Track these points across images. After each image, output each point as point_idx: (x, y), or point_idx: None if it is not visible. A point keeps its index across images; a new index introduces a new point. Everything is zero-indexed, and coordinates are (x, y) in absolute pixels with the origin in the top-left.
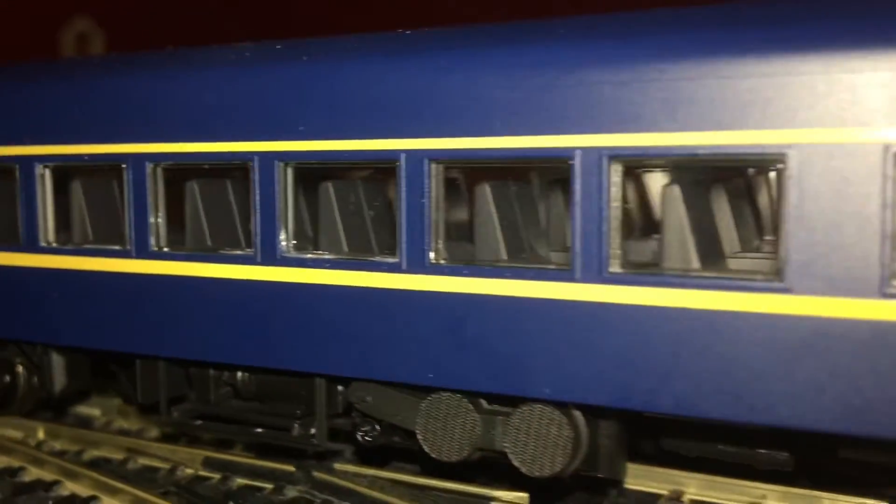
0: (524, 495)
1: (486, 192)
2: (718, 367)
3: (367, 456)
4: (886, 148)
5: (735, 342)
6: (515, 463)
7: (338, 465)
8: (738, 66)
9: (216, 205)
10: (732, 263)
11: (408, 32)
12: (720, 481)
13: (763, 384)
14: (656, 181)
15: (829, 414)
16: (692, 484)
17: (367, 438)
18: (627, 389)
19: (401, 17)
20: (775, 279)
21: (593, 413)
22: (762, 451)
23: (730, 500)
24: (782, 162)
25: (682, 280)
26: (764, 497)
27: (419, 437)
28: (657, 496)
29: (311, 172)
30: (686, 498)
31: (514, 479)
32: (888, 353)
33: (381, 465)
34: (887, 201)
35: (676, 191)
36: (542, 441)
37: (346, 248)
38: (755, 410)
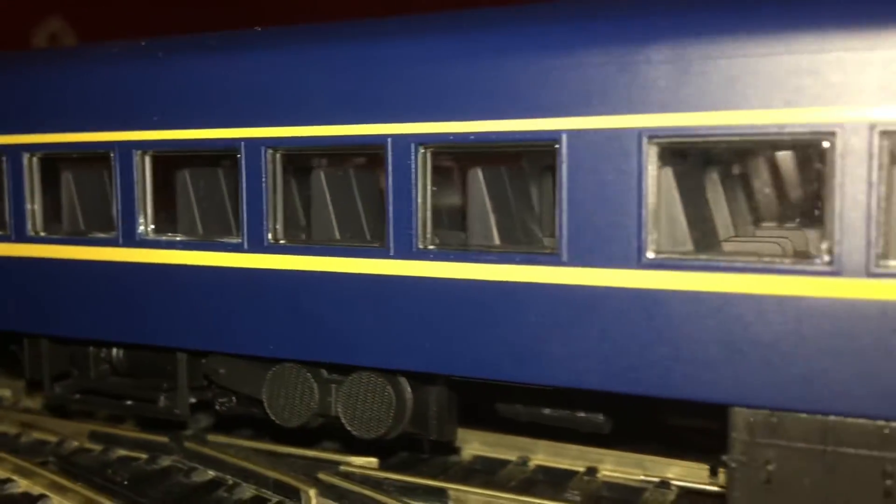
0: (374, 460)
1: (320, 178)
2: (507, 333)
3: (261, 426)
4: (640, 133)
5: (520, 310)
6: (347, 426)
7: (210, 437)
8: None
9: (88, 191)
10: (535, 241)
11: (258, 29)
12: (564, 447)
13: (544, 348)
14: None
15: (598, 374)
16: (539, 450)
17: (223, 408)
18: (434, 355)
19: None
20: (553, 253)
21: (421, 379)
22: (581, 414)
23: (572, 465)
24: (558, 146)
25: (480, 255)
26: (600, 461)
27: (265, 405)
28: (506, 462)
29: (170, 161)
30: (532, 463)
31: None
32: (646, 318)
33: (262, 435)
34: (643, 181)
35: (479, 174)
36: (368, 406)
37: (201, 231)
38: (539, 372)
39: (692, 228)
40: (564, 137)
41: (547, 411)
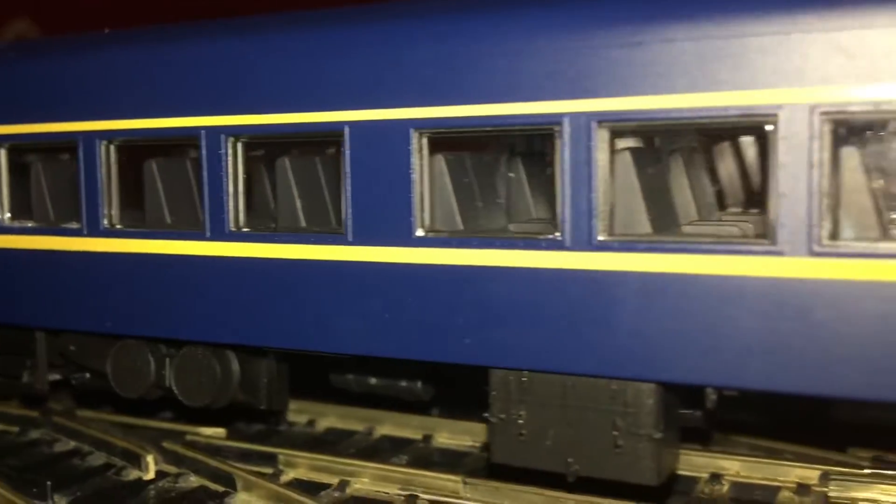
0: (221, 430)
1: (153, 168)
2: (307, 306)
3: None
4: (413, 124)
5: (317, 285)
6: (179, 396)
7: (79, 411)
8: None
9: None
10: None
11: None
12: (410, 417)
13: (339, 319)
14: None
15: (382, 342)
16: (386, 420)
17: (77, 383)
18: (247, 328)
19: None
20: (340, 233)
21: (251, 352)
22: (403, 383)
23: (413, 433)
24: (341, 138)
25: (281, 237)
26: (434, 429)
27: (109, 378)
28: (355, 432)
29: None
30: (377, 433)
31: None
32: (417, 290)
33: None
34: (413, 168)
35: (286, 163)
36: (196, 377)
37: (52, 217)
38: (338, 342)
39: (462, 209)
40: (347, 129)
41: (373, 381)
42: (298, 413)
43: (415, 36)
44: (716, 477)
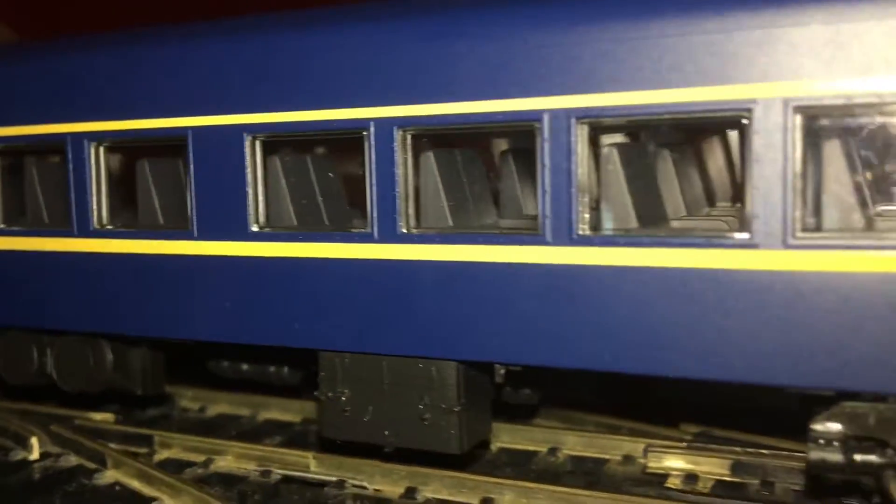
0: (110, 416)
1: (32, 170)
2: (163, 297)
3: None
4: (246, 129)
5: (169, 278)
6: (58, 383)
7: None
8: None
9: None
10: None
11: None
12: (289, 402)
13: (189, 308)
14: None
15: (225, 329)
16: (272, 406)
17: None
18: (111, 318)
19: None
20: (188, 229)
21: (125, 341)
22: (272, 369)
23: (293, 418)
24: (184, 141)
25: (139, 233)
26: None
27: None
28: (241, 416)
29: None
30: (261, 417)
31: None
32: (255, 281)
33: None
34: (247, 169)
35: (145, 166)
36: (71, 365)
37: None
38: (190, 329)
39: (295, 206)
40: (190, 134)
41: (245, 367)
42: (193, 400)
43: (235, 50)
44: (553, 451)
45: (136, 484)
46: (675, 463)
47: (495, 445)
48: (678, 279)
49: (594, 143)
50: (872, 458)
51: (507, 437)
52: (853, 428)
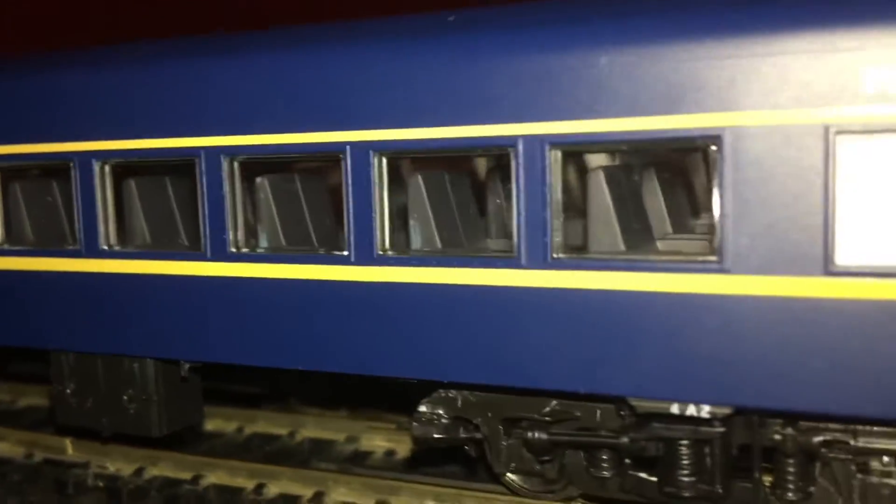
0: None
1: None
2: (41, 310)
3: None
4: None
5: (53, 291)
6: None
7: None
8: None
9: None
10: None
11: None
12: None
13: (65, 319)
14: None
15: (75, 339)
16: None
17: None
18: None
19: None
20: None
21: None
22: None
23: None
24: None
25: (26, 251)
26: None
27: None
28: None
29: None
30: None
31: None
32: (95, 294)
33: None
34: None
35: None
36: None
37: None
38: (62, 340)
39: (150, 226)
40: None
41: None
42: None
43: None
44: (292, 434)
45: None
46: (381, 442)
47: (249, 430)
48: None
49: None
50: (462, 433)
51: (263, 424)
52: (448, 410)
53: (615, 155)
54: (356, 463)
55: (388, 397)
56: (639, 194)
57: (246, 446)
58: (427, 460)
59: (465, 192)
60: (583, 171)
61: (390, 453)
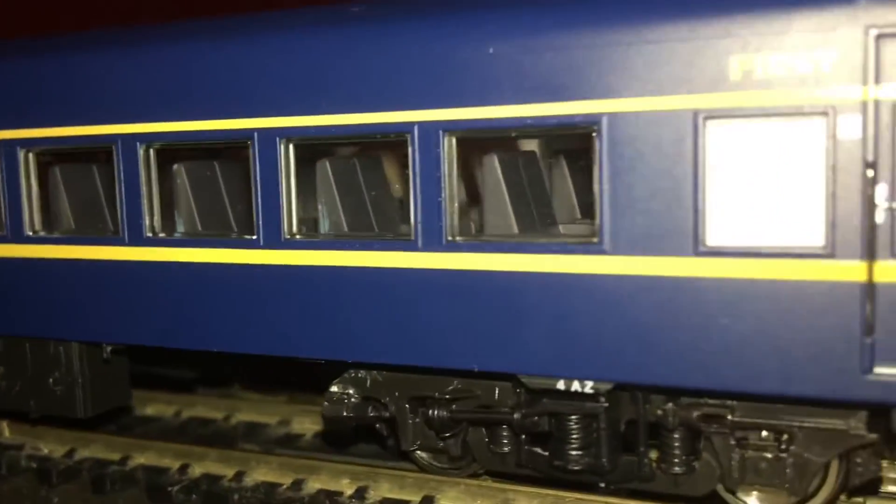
0: None
1: None
2: None
3: None
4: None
5: None
6: None
7: None
8: None
9: None
10: None
11: None
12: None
13: None
14: None
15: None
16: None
17: None
18: None
19: None
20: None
21: None
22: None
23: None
24: None
25: None
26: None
27: None
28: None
29: None
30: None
31: None
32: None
33: None
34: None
35: None
36: None
37: None
38: None
39: (74, 212)
40: None
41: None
42: None
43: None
44: (227, 418)
45: None
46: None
47: (187, 414)
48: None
49: None
50: (371, 412)
51: (200, 408)
52: (358, 390)
53: (522, 142)
54: (285, 445)
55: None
56: (542, 180)
57: (182, 429)
58: (353, 440)
59: (378, 178)
60: (481, 157)
61: (318, 435)
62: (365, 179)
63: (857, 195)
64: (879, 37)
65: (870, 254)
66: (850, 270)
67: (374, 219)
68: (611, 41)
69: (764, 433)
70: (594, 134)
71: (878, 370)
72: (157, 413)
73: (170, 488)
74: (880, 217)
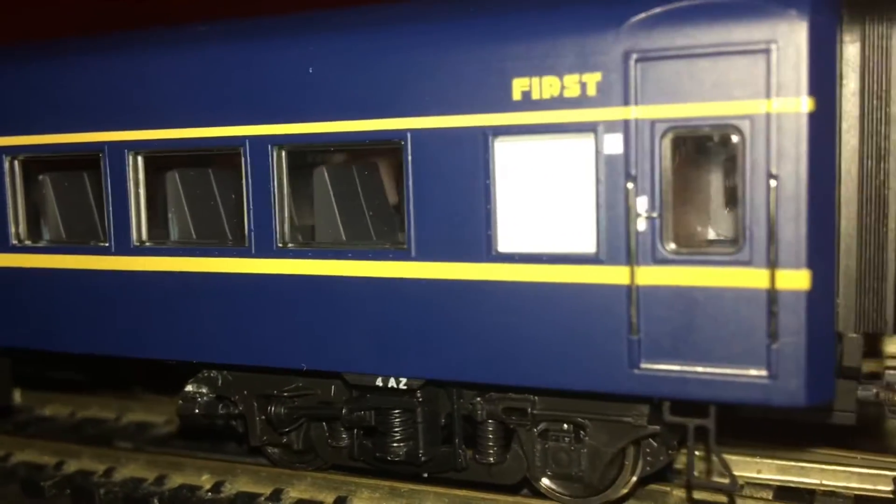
0: None
1: None
2: None
3: None
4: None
5: None
6: None
7: None
8: None
9: None
10: None
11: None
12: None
13: None
14: None
15: None
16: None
17: None
18: None
19: None
20: None
21: None
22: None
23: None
24: None
25: None
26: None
27: None
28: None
29: None
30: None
31: None
32: None
33: None
34: None
35: None
36: None
37: None
38: None
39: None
40: None
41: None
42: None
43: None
44: (118, 418)
45: None
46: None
47: (81, 414)
48: None
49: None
50: (221, 410)
51: (95, 409)
52: (210, 389)
53: (369, 154)
54: (164, 443)
55: None
56: (382, 191)
57: (75, 428)
58: (222, 437)
59: (228, 188)
60: (311, 170)
61: (193, 433)
62: (218, 189)
63: (621, 206)
64: (638, 60)
65: (633, 259)
66: (617, 274)
67: (227, 226)
68: (414, 63)
69: (565, 426)
70: (401, 149)
71: (644, 365)
72: (53, 413)
73: (42, 483)
74: (641, 225)
